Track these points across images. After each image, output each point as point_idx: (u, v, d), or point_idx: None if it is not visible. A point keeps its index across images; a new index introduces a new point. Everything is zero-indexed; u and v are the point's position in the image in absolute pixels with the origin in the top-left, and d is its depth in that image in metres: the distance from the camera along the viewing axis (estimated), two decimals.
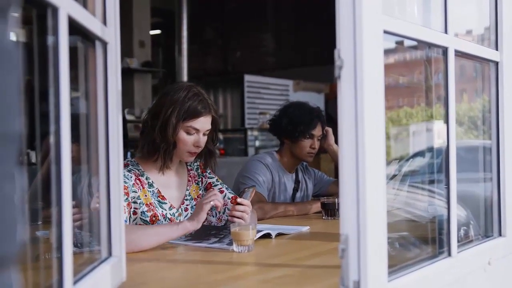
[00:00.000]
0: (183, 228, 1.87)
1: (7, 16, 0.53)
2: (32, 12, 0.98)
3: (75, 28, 1.06)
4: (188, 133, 2.08)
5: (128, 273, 1.38)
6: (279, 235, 2.09)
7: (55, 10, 0.95)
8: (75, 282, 1.03)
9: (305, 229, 2.27)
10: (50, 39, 0.97)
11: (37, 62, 1.00)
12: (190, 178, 2.26)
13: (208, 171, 2.32)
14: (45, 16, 0.95)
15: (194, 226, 1.88)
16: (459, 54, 1.50)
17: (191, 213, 2.17)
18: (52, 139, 0.96)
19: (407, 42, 1.48)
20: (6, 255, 0.51)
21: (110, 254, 1.31)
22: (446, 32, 1.45)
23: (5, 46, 0.52)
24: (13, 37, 0.54)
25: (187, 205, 2.20)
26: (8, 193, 0.52)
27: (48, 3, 0.93)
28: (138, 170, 2.11)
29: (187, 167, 2.28)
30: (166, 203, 2.12)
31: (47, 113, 0.97)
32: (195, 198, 2.24)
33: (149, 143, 2.09)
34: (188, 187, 2.23)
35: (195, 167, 2.30)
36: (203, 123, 2.09)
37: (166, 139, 2.06)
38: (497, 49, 1.73)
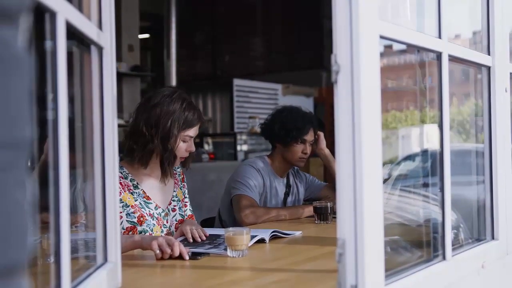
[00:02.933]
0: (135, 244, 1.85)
1: (17, 23, 0.53)
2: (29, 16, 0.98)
3: (71, 32, 1.05)
4: (184, 141, 2.18)
5: (123, 279, 1.37)
6: (273, 238, 2.09)
7: (53, 15, 0.94)
8: None
9: (298, 233, 2.27)
10: (47, 44, 0.96)
11: (34, 66, 0.99)
12: (176, 181, 2.35)
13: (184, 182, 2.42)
14: (42, 20, 0.95)
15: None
16: (452, 58, 1.52)
17: (179, 213, 2.28)
18: (49, 144, 0.96)
19: (396, 46, 1.48)
20: (18, 262, 0.51)
21: (105, 259, 1.31)
22: (440, 37, 1.46)
23: (16, 53, 0.51)
24: (23, 43, 0.54)
25: (174, 205, 2.29)
26: (19, 200, 0.51)
27: (46, 8, 0.92)
28: (122, 173, 2.16)
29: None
30: (151, 203, 2.19)
31: (43, 118, 0.96)
32: (181, 200, 2.33)
33: (147, 153, 2.13)
34: (175, 189, 2.32)
35: (178, 173, 2.38)
36: (197, 130, 2.23)
37: (169, 150, 2.13)
38: (489, 54, 1.75)
